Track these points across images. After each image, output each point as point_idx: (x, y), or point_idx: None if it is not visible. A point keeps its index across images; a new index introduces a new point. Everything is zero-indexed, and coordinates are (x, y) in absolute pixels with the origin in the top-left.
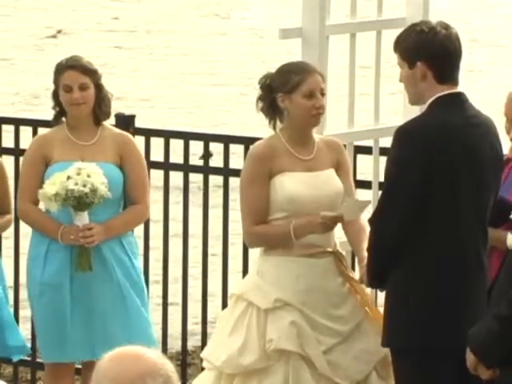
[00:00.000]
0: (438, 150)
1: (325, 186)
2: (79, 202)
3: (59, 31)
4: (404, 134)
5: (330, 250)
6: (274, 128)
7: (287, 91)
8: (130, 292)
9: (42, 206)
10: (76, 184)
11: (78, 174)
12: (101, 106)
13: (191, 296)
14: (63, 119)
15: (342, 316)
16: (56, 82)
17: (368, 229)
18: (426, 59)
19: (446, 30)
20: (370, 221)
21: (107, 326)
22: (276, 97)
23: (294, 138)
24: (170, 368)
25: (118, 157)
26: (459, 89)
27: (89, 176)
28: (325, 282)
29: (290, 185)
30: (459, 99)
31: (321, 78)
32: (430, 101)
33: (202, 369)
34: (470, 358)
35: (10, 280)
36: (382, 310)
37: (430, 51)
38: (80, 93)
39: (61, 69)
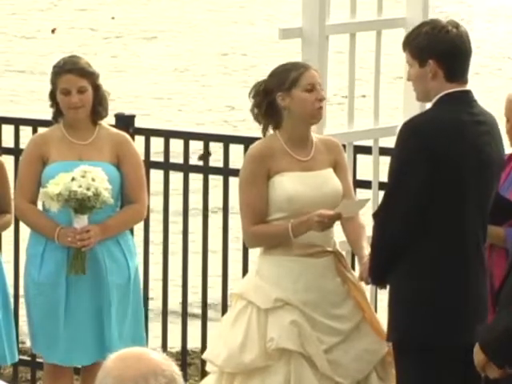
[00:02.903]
0: (443, 146)
1: (323, 186)
2: (81, 204)
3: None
4: (409, 129)
5: (329, 249)
6: (264, 135)
7: (286, 88)
8: (121, 292)
9: (39, 205)
10: (80, 186)
11: (83, 176)
12: (98, 106)
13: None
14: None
15: (342, 315)
16: (53, 83)
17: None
18: (437, 58)
19: (457, 28)
20: (375, 216)
21: (99, 327)
22: (275, 97)
23: (292, 139)
24: (176, 370)
25: (114, 156)
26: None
27: (93, 180)
28: (324, 281)
29: (289, 185)
30: (465, 96)
31: (317, 74)
32: (436, 97)
33: (202, 369)
34: (478, 356)
35: (10, 280)
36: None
37: (442, 50)
38: (78, 96)
39: (58, 71)
